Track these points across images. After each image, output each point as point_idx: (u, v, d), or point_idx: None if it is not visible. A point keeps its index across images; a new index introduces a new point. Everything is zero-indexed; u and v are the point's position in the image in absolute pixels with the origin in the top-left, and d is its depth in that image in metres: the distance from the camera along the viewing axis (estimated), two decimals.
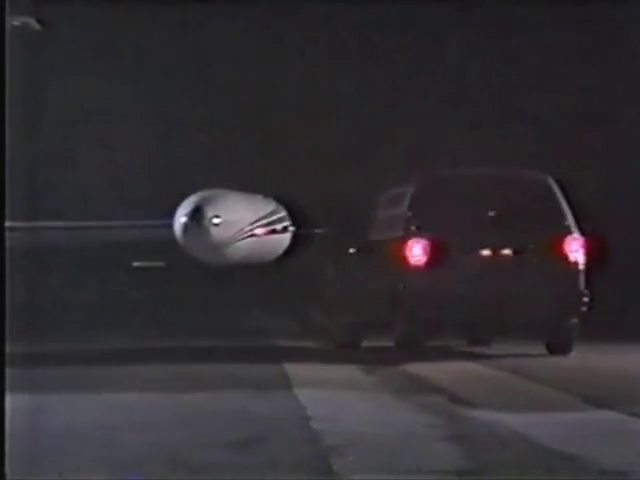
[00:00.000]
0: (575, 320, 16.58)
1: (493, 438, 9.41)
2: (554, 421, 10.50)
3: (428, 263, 16.40)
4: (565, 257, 16.40)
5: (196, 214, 15.76)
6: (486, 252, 16.49)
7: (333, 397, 12.46)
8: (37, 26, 17.58)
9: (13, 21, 17.48)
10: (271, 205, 17.97)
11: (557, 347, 16.89)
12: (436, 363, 16.14)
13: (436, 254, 16.39)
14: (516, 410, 11.21)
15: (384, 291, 16.87)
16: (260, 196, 17.90)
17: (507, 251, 16.49)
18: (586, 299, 16.48)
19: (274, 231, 17.67)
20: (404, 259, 16.43)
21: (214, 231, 15.98)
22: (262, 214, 17.53)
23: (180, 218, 15.42)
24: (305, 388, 12.96)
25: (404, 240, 16.53)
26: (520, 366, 15.54)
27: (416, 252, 16.39)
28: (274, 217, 17.78)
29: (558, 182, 16.89)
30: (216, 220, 16.03)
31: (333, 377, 14.64)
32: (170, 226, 16.11)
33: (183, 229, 15.31)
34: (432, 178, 17.31)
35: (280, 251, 18.08)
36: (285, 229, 18.01)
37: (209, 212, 15.89)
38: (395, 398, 12.32)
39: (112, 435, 9.69)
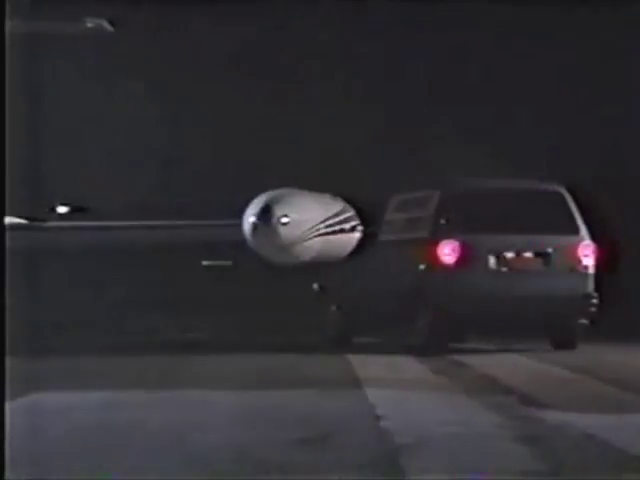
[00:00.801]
0: (584, 320, 17.69)
1: (564, 439, 9.36)
2: (626, 423, 10.40)
3: (457, 263, 17.27)
4: (578, 262, 17.61)
5: (265, 214, 15.76)
6: (510, 255, 17.53)
7: (402, 396, 12.45)
8: (110, 28, 17.76)
9: (87, 23, 17.72)
10: (339, 204, 17.91)
11: (563, 344, 17.84)
12: (503, 363, 16.16)
13: (464, 255, 17.27)
14: (587, 411, 11.14)
15: (405, 289, 17.49)
16: (328, 195, 17.86)
17: (528, 254, 17.63)
18: (595, 301, 17.57)
19: (342, 230, 17.64)
20: (433, 258, 17.24)
21: (282, 230, 15.97)
22: (330, 213, 17.49)
23: (249, 218, 15.42)
24: (374, 387, 12.96)
25: (433, 241, 17.36)
26: (589, 366, 15.46)
27: (446, 252, 17.22)
28: (342, 216, 17.74)
29: (570, 191, 17.86)
30: (284, 219, 16.01)
31: (402, 377, 14.64)
32: (239, 226, 16.10)
33: (252, 229, 15.32)
34: (459, 185, 18.28)
35: (348, 250, 18.04)
36: (353, 228, 17.96)
37: (277, 211, 15.87)
38: (465, 398, 12.29)
39: (184, 433, 9.77)
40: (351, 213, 17.99)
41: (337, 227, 17.45)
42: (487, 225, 17.55)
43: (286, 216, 16.26)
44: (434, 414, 11.01)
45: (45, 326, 20.08)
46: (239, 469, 8.07)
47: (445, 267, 17.28)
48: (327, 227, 17.10)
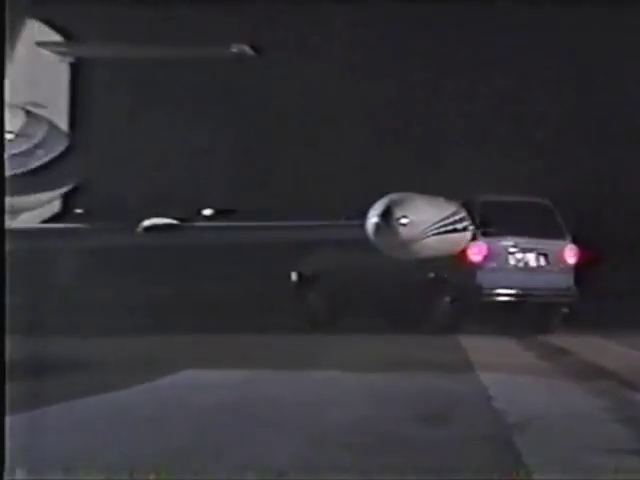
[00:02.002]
0: (566, 309, 19.63)
1: None
2: None
3: (484, 260, 19.02)
4: (564, 261, 19.47)
5: (386, 215, 15.75)
6: (519, 255, 19.33)
7: (511, 379, 12.33)
8: (251, 52, 17.91)
9: (232, 48, 17.93)
10: (453, 207, 17.92)
11: (547, 329, 19.32)
12: (602, 349, 15.95)
13: (490, 254, 19.02)
14: None
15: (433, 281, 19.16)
16: (442, 198, 17.84)
17: (532, 255, 19.43)
18: (575, 293, 19.58)
19: (455, 230, 17.60)
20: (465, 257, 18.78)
21: (401, 230, 15.95)
22: (444, 215, 17.45)
23: (372, 218, 15.43)
24: (485, 371, 12.86)
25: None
26: None
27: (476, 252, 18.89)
28: (455, 217, 17.71)
29: (554, 204, 19.83)
30: (403, 220, 16.00)
31: (510, 361, 14.51)
32: (363, 226, 16.10)
33: (374, 228, 15.33)
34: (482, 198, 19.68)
35: (460, 247, 18.01)
36: (465, 228, 17.93)
37: (397, 213, 15.85)
38: (569, 382, 12.13)
39: (315, 410, 9.80)
40: (463, 214, 17.98)
41: (450, 227, 17.46)
42: (505, 230, 19.36)
43: (405, 217, 16.27)
44: (541, 396, 10.89)
45: (196, 308, 20.46)
46: (373, 442, 8.06)
47: (473, 264, 18.95)
48: (441, 227, 17.13)
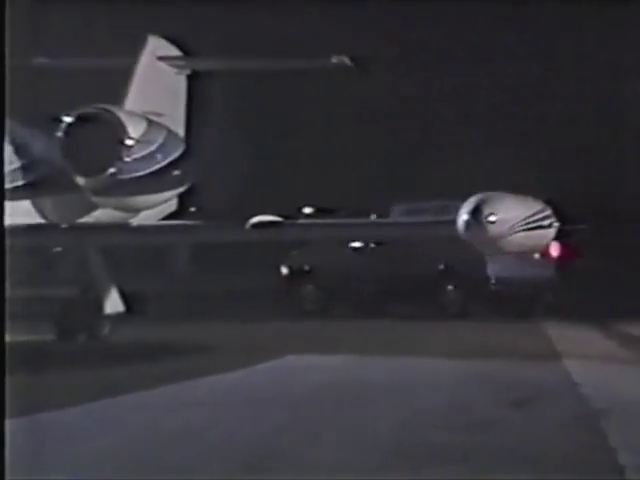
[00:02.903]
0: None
1: None
2: None
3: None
4: (550, 256, 20.64)
5: (475, 212, 15.55)
6: None
7: (595, 367, 12.11)
8: (350, 64, 17.87)
9: (332, 59, 17.92)
10: (539, 205, 17.63)
11: (532, 314, 20.14)
12: None
13: None
14: None
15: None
16: (530, 197, 17.57)
17: None
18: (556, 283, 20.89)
19: (540, 227, 17.31)
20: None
21: (490, 227, 15.73)
22: (530, 212, 17.18)
23: (462, 216, 15.26)
24: (570, 359, 12.65)
25: None
26: None
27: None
28: (541, 215, 17.41)
29: None
30: (492, 218, 15.76)
31: (593, 350, 14.25)
32: (454, 223, 15.94)
33: (465, 225, 15.15)
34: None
35: (545, 243, 17.75)
36: (550, 225, 17.63)
37: (486, 211, 15.64)
38: None
39: (411, 394, 9.74)
40: (549, 212, 17.69)
41: (536, 224, 17.18)
42: None
43: (493, 214, 16.03)
44: (624, 384, 10.65)
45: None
46: (466, 424, 7.98)
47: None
48: (528, 224, 16.88)
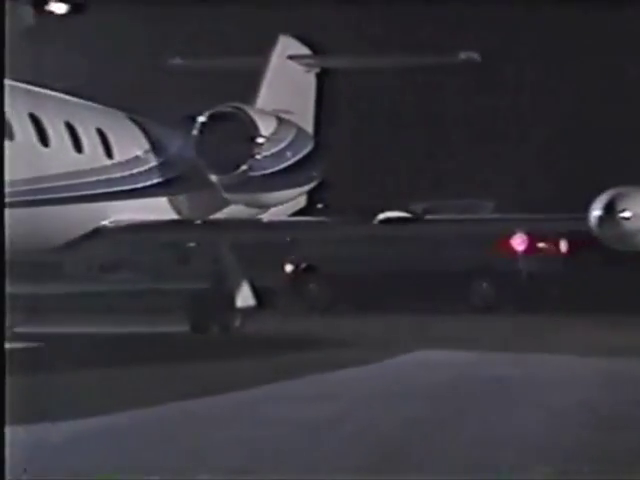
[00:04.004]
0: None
1: None
2: None
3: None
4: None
5: (609, 208, 15.20)
6: None
7: None
8: (478, 59, 17.73)
9: (460, 55, 17.82)
10: None
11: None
12: None
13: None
14: None
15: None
16: None
17: None
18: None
19: None
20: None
21: (624, 223, 15.34)
22: None
23: (595, 211, 14.95)
24: None
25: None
26: None
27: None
28: None
29: None
30: (626, 214, 15.37)
31: None
32: (585, 219, 15.61)
33: (598, 221, 14.83)
34: None
35: None
36: None
37: (620, 206, 15.27)
38: None
39: (543, 390, 9.62)
40: None
41: None
42: None
43: (627, 210, 15.62)
44: None
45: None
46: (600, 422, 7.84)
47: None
48: None
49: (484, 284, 20.94)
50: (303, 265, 21.83)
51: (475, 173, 25.35)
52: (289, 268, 21.98)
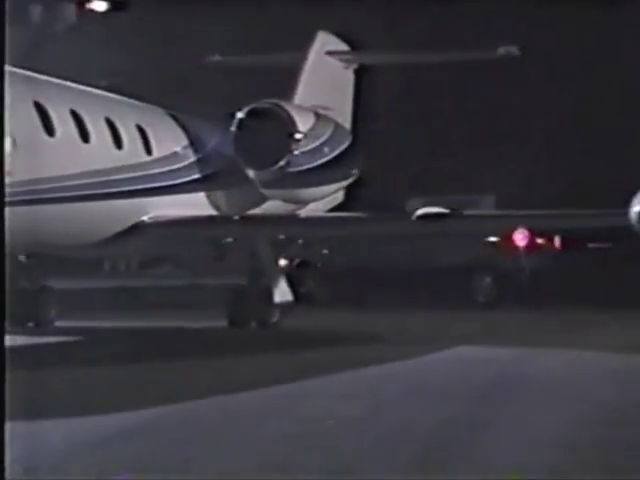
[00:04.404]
0: None
1: None
2: None
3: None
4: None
5: None
6: None
7: None
8: (517, 53, 17.63)
9: (500, 50, 17.72)
10: None
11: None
12: None
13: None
14: None
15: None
16: None
17: None
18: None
19: None
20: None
21: None
22: None
23: (635, 207, 14.79)
24: None
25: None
26: None
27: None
28: None
29: None
30: None
31: None
32: (626, 214, 15.43)
33: (637, 217, 14.67)
34: None
35: None
36: None
37: None
38: None
39: (581, 388, 9.54)
40: None
41: None
42: None
43: None
44: None
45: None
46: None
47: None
48: None
49: (487, 279, 21.38)
50: (297, 260, 21.55)
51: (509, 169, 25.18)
52: (283, 262, 21.75)
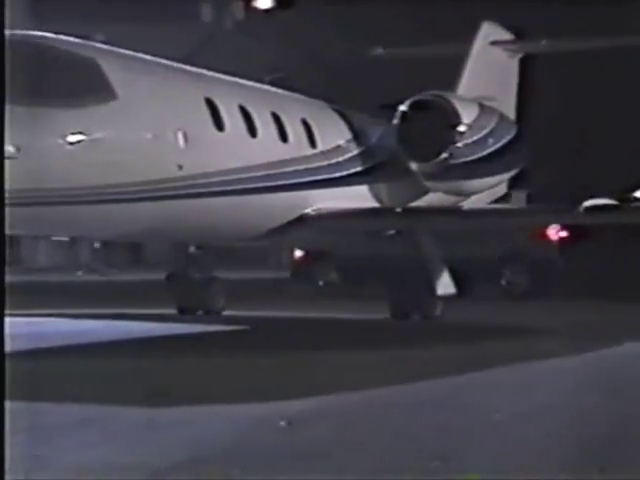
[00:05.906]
0: None
1: None
2: None
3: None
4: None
5: None
6: None
7: None
8: None
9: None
10: None
11: None
12: None
13: None
14: None
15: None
16: None
17: None
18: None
19: None
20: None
21: None
22: None
23: None
24: None
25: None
26: None
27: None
28: None
29: None
30: None
31: None
32: None
33: None
34: None
35: None
36: None
37: None
38: None
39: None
40: None
41: None
42: None
43: None
44: None
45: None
46: None
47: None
48: None
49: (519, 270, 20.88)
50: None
51: None
52: (298, 253, 21.34)
